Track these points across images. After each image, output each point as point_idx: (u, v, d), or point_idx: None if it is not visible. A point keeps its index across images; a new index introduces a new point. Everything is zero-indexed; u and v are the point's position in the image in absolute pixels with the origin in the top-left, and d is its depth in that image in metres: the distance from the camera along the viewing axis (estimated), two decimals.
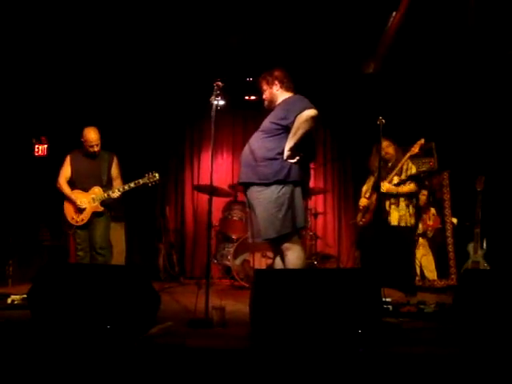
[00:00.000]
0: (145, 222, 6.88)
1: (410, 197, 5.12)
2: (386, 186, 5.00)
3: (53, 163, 6.36)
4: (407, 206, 5.07)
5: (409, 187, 5.07)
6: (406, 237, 5.12)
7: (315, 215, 6.47)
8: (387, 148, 5.12)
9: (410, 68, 5.90)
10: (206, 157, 7.20)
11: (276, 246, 3.62)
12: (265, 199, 3.48)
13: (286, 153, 3.50)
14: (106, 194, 4.84)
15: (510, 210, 5.56)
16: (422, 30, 5.19)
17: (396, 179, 5.05)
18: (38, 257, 5.96)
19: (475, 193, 5.45)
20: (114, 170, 5.03)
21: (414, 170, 5.14)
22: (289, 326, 2.82)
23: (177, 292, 5.40)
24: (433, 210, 5.85)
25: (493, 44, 5.00)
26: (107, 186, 4.94)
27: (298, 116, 3.48)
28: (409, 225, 5.07)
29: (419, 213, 5.58)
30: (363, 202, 5.27)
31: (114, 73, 6.33)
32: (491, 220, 5.48)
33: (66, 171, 4.94)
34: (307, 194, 3.83)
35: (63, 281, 3.12)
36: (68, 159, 4.97)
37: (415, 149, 4.97)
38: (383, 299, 3.65)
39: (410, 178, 5.07)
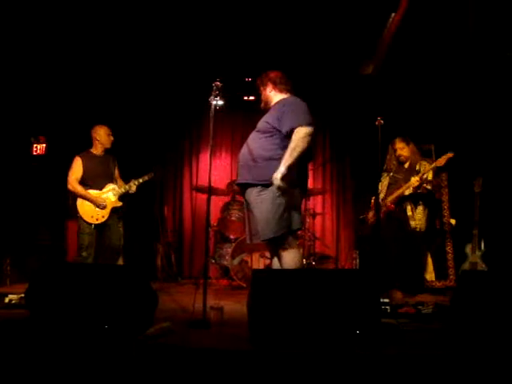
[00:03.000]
0: (143, 222, 6.88)
1: (428, 200, 5.02)
2: (416, 179, 4.81)
3: (51, 162, 6.39)
4: (424, 211, 4.98)
5: (429, 187, 4.95)
6: (419, 242, 5.05)
7: (314, 216, 6.47)
8: (401, 150, 5.05)
9: (409, 69, 5.90)
10: (204, 157, 7.21)
11: (273, 246, 3.62)
12: (263, 200, 3.47)
13: (283, 171, 3.38)
14: (122, 189, 4.94)
15: (508, 211, 5.57)
16: (421, 31, 5.19)
17: (416, 177, 4.83)
18: (35, 256, 5.95)
19: (473, 194, 5.45)
20: (116, 171, 5.12)
21: (430, 176, 4.93)
22: (287, 327, 2.82)
23: (175, 292, 5.40)
24: None
25: (492, 46, 5.00)
26: (116, 182, 5.05)
27: (296, 131, 3.42)
28: (423, 230, 4.97)
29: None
30: (374, 202, 5.15)
31: (113, 73, 6.32)
32: (489, 221, 5.48)
33: (76, 172, 4.89)
34: (305, 194, 3.82)
35: (61, 280, 3.12)
36: (79, 161, 4.92)
37: (442, 161, 4.75)
38: (381, 300, 3.66)
39: (427, 183, 4.93)
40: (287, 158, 3.40)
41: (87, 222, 4.86)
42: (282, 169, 3.39)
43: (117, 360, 2.63)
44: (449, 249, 5.70)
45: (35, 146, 6.44)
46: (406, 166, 5.09)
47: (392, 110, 5.65)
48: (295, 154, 3.40)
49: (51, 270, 3.25)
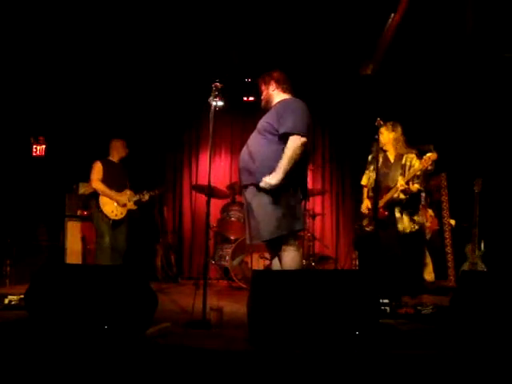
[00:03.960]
0: (143, 223, 6.87)
1: (417, 198, 4.74)
2: (401, 183, 4.47)
3: (51, 163, 6.39)
4: (413, 211, 4.68)
5: (416, 186, 4.58)
6: (416, 242, 4.85)
7: (313, 216, 6.47)
8: (381, 135, 4.51)
9: (408, 70, 5.91)
10: (204, 158, 7.20)
11: (273, 247, 3.62)
12: (263, 201, 3.46)
13: (279, 175, 3.37)
14: (138, 196, 5.35)
15: (507, 211, 5.58)
16: (420, 31, 5.20)
17: (401, 180, 4.52)
18: (35, 257, 5.95)
19: (473, 194, 5.45)
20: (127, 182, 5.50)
21: (416, 167, 4.51)
22: (286, 327, 2.82)
23: (174, 293, 5.40)
24: (430, 212, 5.85)
25: (490, 46, 5.01)
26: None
27: (292, 139, 3.41)
28: (417, 228, 4.73)
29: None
30: (366, 208, 4.84)
31: (113, 74, 6.33)
32: (489, 221, 5.49)
33: (98, 174, 5.24)
34: (305, 195, 3.81)
35: (60, 281, 3.11)
36: (99, 165, 5.27)
37: (425, 163, 4.39)
38: (381, 301, 3.66)
39: (415, 178, 4.57)
40: (284, 166, 3.39)
41: (107, 216, 5.18)
42: (279, 174, 3.37)
43: (116, 360, 2.63)
44: (448, 249, 5.69)
45: (35, 146, 6.44)
46: (392, 158, 4.74)
47: (391, 111, 5.65)
48: (292, 163, 3.41)
49: (51, 270, 3.25)
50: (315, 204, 7.05)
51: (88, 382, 2.54)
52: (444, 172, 5.82)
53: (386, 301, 3.95)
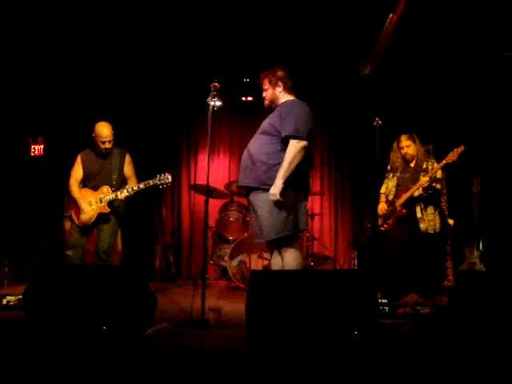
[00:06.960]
0: (141, 223, 6.87)
1: (438, 200, 4.82)
2: (425, 179, 4.53)
3: (49, 163, 6.38)
4: (435, 210, 4.74)
5: (438, 186, 4.70)
6: (436, 244, 4.87)
7: (312, 217, 6.46)
8: (408, 148, 4.77)
9: (407, 69, 5.91)
10: (202, 158, 7.20)
11: (275, 247, 3.63)
12: (267, 202, 3.47)
13: (280, 185, 3.38)
14: (113, 195, 4.65)
15: (506, 211, 5.58)
16: (419, 31, 5.20)
17: (425, 177, 4.56)
18: (34, 257, 5.94)
19: (471, 194, 5.45)
20: (127, 169, 4.83)
21: (439, 174, 4.65)
22: (285, 327, 2.81)
23: (173, 293, 5.40)
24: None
25: (488, 46, 5.02)
26: (117, 185, 4.75)
27: (292, 143, 3.42)
28: (437, 231, 4.72)
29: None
30: (383, 208, 4.88)
31: (111, 74, 6.32)
32: (487, 222, 5.49)
33: (76, 172, 4.76)
34: (307, 196, 3.81)
35: (59, 281, 3.11)
36: (79, 159, 4.79)
37: (453, 156, 4.47)
38: (379, 300, 3.67)
39: (436, 181, 4.67)
40: (284, 172, 3.40)
41: (75, 224, 4.73)
42: (279, 184, 3.39)
43: (115, 361, 2.63)
44: (447, 249, 5.69)
45: (33, 146, 6.43)
46: (413, 164, 4.83)
47: (390, 111, 5.65)
48: (292, 167, 3.42)
49: (49, 271, 3.24)
50: (314, 204, 7.04)
51: (86, 382, 2.53)
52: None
53: (384, 301, 3.96)
